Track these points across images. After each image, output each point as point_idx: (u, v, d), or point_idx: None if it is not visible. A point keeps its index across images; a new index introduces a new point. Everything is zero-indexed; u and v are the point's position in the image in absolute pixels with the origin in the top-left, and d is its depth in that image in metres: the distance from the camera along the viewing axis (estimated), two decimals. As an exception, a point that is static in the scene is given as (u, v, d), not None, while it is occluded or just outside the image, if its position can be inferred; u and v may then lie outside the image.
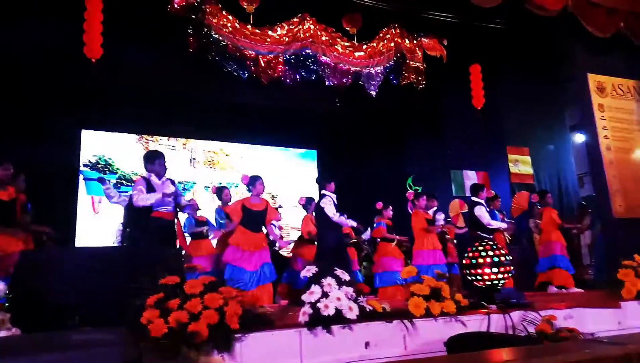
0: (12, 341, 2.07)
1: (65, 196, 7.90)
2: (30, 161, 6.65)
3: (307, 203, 6.83)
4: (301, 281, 6.23)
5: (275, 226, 6.79)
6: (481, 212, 6.42)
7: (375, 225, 7.28)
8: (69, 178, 8.07)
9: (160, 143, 9.12)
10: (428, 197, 7.01)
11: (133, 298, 2.63)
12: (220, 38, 6.73)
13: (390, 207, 7.28)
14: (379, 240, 7.27)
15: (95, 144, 8.54)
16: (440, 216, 7.13)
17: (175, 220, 4.85)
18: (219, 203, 6.55)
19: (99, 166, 8.43)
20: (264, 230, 5.72)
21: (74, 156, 8.22)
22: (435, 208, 7.19)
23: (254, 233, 5.40)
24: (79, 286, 3.33)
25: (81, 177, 8.18)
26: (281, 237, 7.14)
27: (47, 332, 2.50)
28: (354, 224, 6.23)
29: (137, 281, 2.70)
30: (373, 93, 7.74)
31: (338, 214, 5.74)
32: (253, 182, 5.54)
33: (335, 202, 5.87)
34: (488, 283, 3.58)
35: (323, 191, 5.99)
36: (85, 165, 8.33)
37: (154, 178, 4.70)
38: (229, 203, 6.18)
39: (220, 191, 6.53)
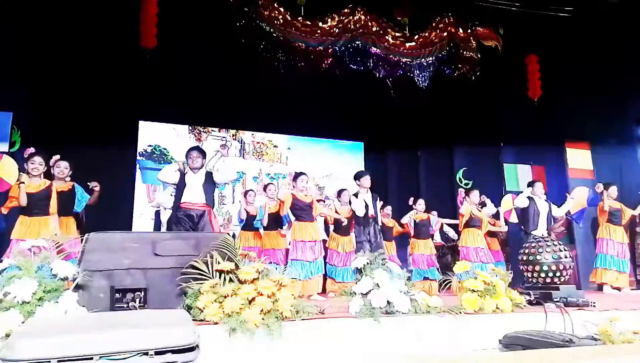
0: (75, 320, 2.17)
1: (125, 184, 8.28)
2: (95, 151, 7.03)
3: (338, 194, 6.77)
4: (339, 274, 6.23)
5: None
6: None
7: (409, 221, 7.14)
8: (130, 167, 8.45)
9: (212, 134, 9.34)
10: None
11: (190, 282, 2.72)
12: (272, 30, 6.79)
13: (422, 201, 7.13)
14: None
15: (150, 134, 8.85)
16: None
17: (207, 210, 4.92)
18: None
19: (154, 155, 8.73)
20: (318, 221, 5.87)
21: (133, 145, 8.58)
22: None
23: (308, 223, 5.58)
24: (139, 269, 3.47)
25: (138, 166, 8.53)
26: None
27: (110, 311, 2.63)
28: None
29: (194, 267, 2.78)
30: (424, 84, 7.58)
31: (364, 211, 5.80)
32: (295, 178, 5.84)
33: (366, 201, 5.87)
34: (547, 280, 3.44)
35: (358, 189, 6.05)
36: (141, 154, 8.65)
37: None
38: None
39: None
